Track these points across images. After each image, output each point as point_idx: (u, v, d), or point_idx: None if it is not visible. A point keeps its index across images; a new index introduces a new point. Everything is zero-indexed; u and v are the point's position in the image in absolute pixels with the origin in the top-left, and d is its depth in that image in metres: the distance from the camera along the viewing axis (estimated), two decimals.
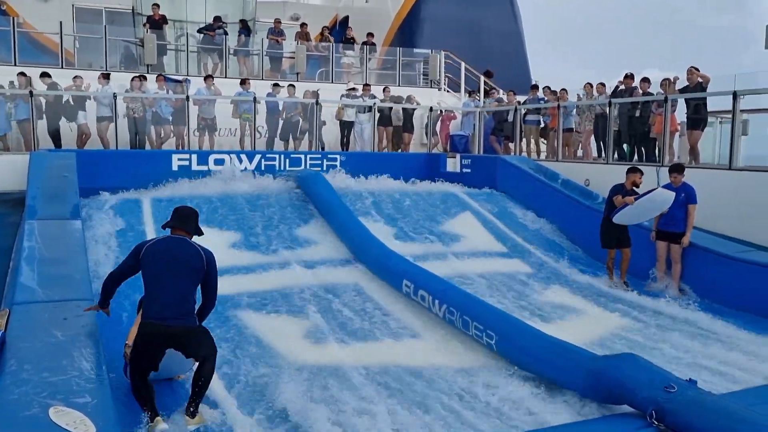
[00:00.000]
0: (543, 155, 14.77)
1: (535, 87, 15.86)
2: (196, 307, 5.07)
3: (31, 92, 12.33)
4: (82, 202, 9.14)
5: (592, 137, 13.55)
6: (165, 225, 5.20)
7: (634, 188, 9.06)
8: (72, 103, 13.17)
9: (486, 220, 11.55)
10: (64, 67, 15.69)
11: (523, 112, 14.68)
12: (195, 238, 5.21)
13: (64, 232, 7.21)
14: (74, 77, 13.45)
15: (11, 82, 13.19)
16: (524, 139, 14.94)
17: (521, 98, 15.70)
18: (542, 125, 14.80)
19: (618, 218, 8.97)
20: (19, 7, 19.58)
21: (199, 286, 5.07)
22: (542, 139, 14.98)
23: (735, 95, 9.89)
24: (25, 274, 5.82)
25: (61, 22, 16.26)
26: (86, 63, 16.87)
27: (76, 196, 8.87)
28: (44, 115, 12.79)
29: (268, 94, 14.75)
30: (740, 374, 6.21)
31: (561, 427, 4.97)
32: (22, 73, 13.16)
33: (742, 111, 10.31)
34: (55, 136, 12.99)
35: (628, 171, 9.21)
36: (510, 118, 14.98)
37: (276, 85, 15.20)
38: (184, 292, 4.90)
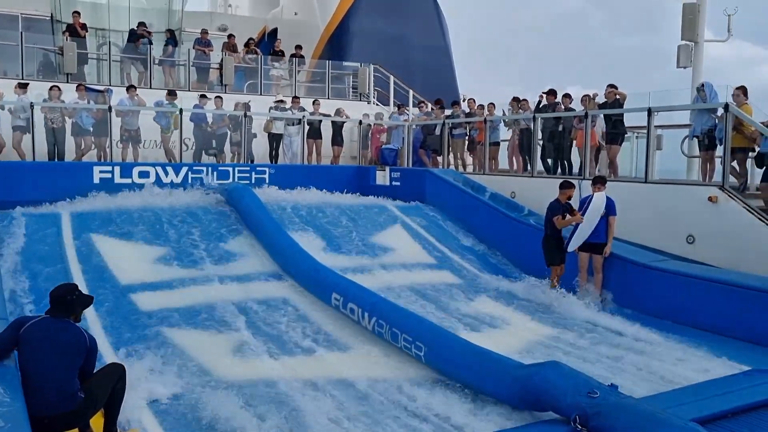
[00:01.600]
0: (470, 168, 15.06)
1: (457, 103, 16.23)
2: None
3: None
4: None
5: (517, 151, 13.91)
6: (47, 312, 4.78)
7: (568, 202, 9.29)
8: None
9: (415, 232, 11.67)
10: None
11: (450, 125, 14.94)
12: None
13: None
14: None
15: None
16: (452, 153, 15.20)
17: (449, 112, 15.98)
18: (469, 139, 15.09)
19: (575, 242, 9.14)
20: None
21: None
22: (469, 153, 15.28)
23: (650, 111, 10.34)
24: None
25: None
26: (1, 71, 16.17)
27: None
28: None
29: (195, 106, 14.49)
30: (658, 378, 6.47)
31: None
32: None
33: (656, 126, 10.79)
34: None
35: (562, 186, 9.31)
36: (437, 131, 15.22)
37: (203, 96, 14.97)
38: (64, 377, 4.54)
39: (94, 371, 4.80)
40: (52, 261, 8.60)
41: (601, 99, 12.07)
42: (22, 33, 16.73)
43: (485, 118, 14.00)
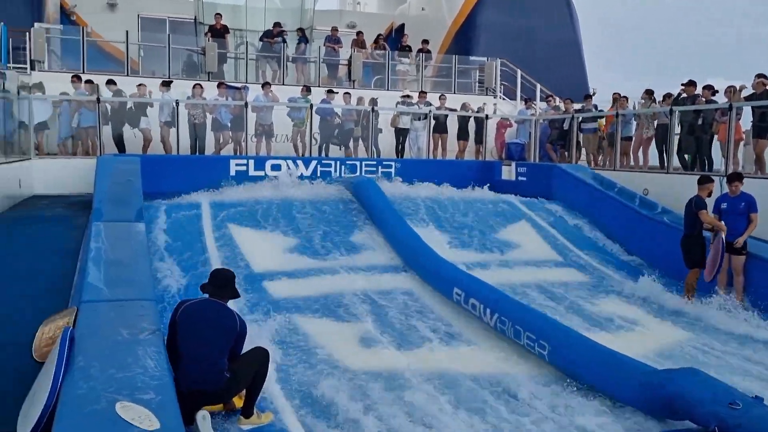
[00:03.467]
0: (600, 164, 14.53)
1: (589, 96, 15.70)
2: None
3: (98, 99, 12.83)
4: (144, 205, 9.45)
5: (652, 146, 13.26)
6: (202, 288, 5.20)
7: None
8: (134, 109, 13.62)
9: (541, 228, 11.43)
10: (129, 74, 16.24)
11: (579, 119, 14.48)
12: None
13: (128, 234, 7.45)
14: (138, 85, 13.91)
15: (85, 82, 13.68)
16: (582, 148, 14.74)
17: (578, 106, 15.50)
18: (600, 134, 14.57)
19: (709, 267, 8.60)
20: (88, 17, 20.39)
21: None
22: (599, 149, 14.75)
23: None
24: (92, 274, 6.02)
25: (127, 32, 16.82)
26: (150, 71, 17.43)
27: (139, 199, 9.18)
28: (109, 121, 13.27)
29: (323, 101, 14.94)
30: None
31: None
32: (89, 81, 13.68)
33: None
34: (119, 141, 13.45)
35: (701, 181, 8.92)
36: (566, 126, 14.80)
37: (330, 91, 15.41)
38: (217, 358, 4.87)
39: (241, 353, 5.10)
40: (193, 248, 9.18)
41: (748, 91, 11.26)
42: (169, 35, 17.93)
43: (617, 112, 13.45)
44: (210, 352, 4.84)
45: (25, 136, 12.45)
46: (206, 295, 5.14)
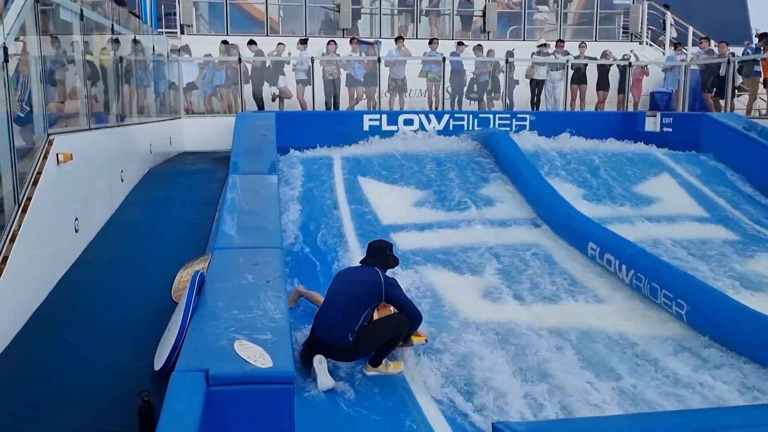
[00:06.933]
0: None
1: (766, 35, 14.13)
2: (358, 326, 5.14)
3: (239, 59, 13.41)
4: (279, 159, 9.80)
5: None
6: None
7: None
8: (272, 68, 14.09)
9: (686, 182, 10.63)
10: (269, 35, 16.79)
11: (737, 63, 13.19)
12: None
13: (261, 185, 7.77)
14: (277, 44, 14.36)
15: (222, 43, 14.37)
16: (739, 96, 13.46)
17: (737, 50, 14.11)
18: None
19: None
20: None
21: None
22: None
23: None
24: (227, 222, 6.36)
25: None
26: (289, 30, 17.91)
27: (273, 153, 9.53)
28: (249, 80, 13.85)
29: (452, 54, 14.65)
30: None
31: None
32: (224, 42, 14.32)
33: None
34: (258, 99, 14.02)
35: None
36: (722, 72, 13.55)
37: (460, 44, 15.08)
38: (348, 314, 5.09)
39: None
40: (324, 200, 9.43)
41: None
42: None
43: None
44: (345, 308, 5.08)
45: (175, 96, 13.30)
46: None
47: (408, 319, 5.23)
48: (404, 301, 5.28)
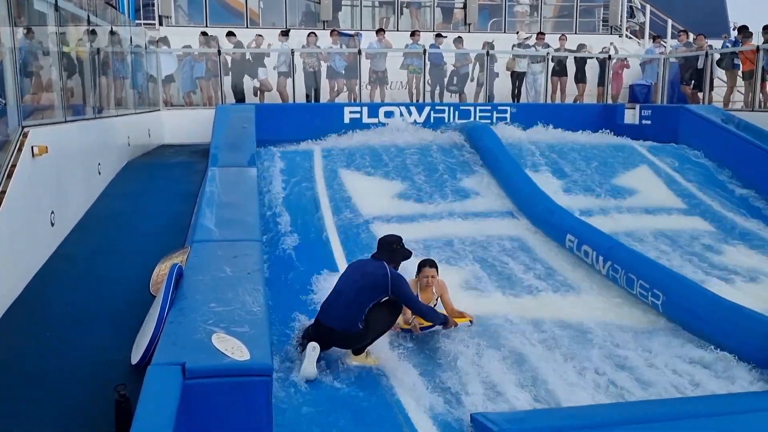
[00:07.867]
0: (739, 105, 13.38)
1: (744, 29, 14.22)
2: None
3: (219, 51, 13.30)
4: (258, 152, 9.75)
5: None
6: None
7: None
8: (252, 60, 14.00)
9: (664, 174, 10.73)
10: (248, 26, 16.67)
11: (717, 57, 13.31)
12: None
13: (240, 178, 7.74)
14: (256, 36, 14.26)
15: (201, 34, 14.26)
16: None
17: (716, 43, 14.23)
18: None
19: None
20: None
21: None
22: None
23: None
24: (206, 215, 6.31)
25: None
26: (270, 22, 17.80)
27: (253, 145, 9.48)
28: (229, 72, 13.75)
29: (431, 46, 14.64)
30: None
31: (737, 396, 4.60)
32: (204, 33, 14.20)
33: None
34: (239, 91, 13.92)
35: None
36: (700, 64, 13.67)
37: (439, 36, 15.07)
38: (353, 304, 5.15)
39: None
40: (304, 192, 9.40)
41: None
42: None
43: (758, 46, 12.24)
44: (351, 298, 5.15)
45: (154, 88, 13.17)
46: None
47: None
48: (410, 297, 5.38)
